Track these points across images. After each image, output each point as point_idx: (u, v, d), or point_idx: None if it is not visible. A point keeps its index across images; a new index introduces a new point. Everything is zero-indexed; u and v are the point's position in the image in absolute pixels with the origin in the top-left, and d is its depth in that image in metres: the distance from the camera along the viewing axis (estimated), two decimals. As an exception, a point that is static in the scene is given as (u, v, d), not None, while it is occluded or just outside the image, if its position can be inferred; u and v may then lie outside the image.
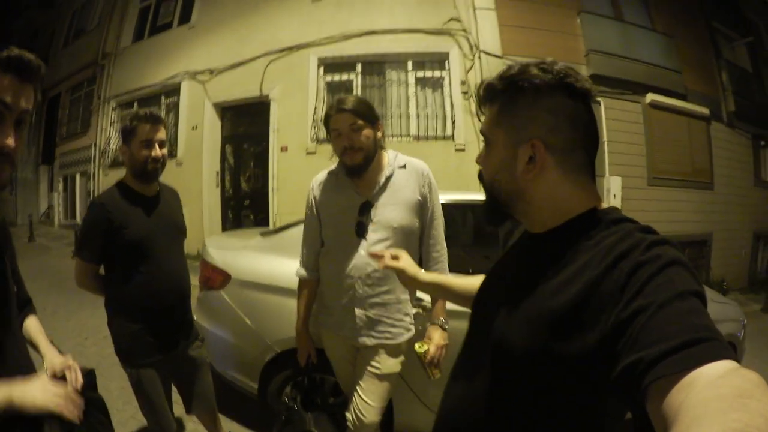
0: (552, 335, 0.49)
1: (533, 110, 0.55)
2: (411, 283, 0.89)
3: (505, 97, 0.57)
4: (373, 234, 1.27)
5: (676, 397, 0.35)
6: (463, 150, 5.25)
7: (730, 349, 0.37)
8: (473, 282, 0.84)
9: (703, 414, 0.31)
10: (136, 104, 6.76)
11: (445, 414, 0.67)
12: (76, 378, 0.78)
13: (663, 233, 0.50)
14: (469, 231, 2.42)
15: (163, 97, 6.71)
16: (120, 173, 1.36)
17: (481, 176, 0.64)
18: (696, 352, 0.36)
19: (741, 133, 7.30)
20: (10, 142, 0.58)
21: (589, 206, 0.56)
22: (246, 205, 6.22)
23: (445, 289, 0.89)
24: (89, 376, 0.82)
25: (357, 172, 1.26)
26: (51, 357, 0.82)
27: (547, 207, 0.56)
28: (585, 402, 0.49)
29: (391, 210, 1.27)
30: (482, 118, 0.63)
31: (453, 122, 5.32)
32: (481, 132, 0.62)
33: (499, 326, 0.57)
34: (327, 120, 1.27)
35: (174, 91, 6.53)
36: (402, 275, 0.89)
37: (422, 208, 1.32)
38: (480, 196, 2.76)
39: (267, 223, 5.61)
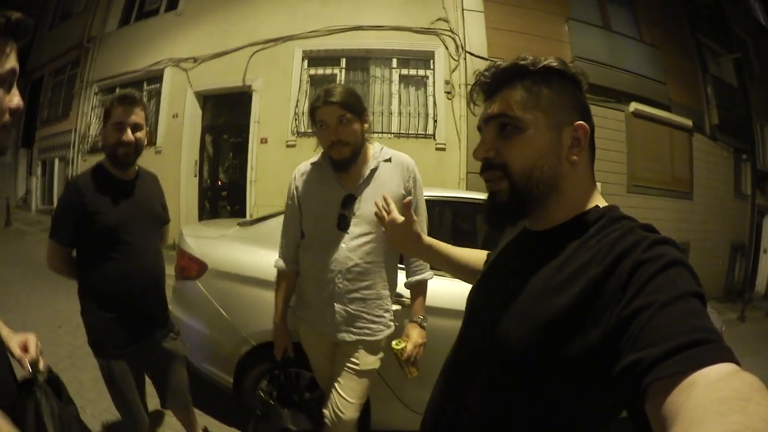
0: (554, 334, 0.48)
1: (567, 95, 0.55)
2: (411, 244, 0.83)
3: (536, 79, 0.55)
4: (355, 228, 1.24)
5: (676, 398, 0.35)
6: (444, 149, 5.25)
7: (731, 352, 0.37)
8: (471, 255, 0.83)
9: (703, 416, 0.32)
10: (117, 89, 6.63)
11: (437, 411, 0.65)
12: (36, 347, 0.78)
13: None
14: (447, 228, 2.40)
15: (145, 84, 6.60)
16: (99, 159, 1.32)
17: (494, 168, 0.56)
18: (696, 353, 0.36)
19: (723, 146, 7.40)
20: (20, 101, 0.57)
21: (594, 202, 0.56)
22: (223, 196, 6.15)
23: (442, 256, 0.85)
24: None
25: (344, 166, 1.23)
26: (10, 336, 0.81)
27: (571, 199, 0.56)
28: (584, 399, 0.49)
29: (375, 204, 1.24)
30: (477, 109, 0.60)
31: (435, 121, 5.31)
32: (503, 114, 0.55)
33: (498, 324, 0.56)
34: (313, 111, 1.23)
35: (156, 78, 6.44)
36: (406, 228, 0.81)
37: None
38: (459, 193, 2.71)
39: (243, 215, 5.55)
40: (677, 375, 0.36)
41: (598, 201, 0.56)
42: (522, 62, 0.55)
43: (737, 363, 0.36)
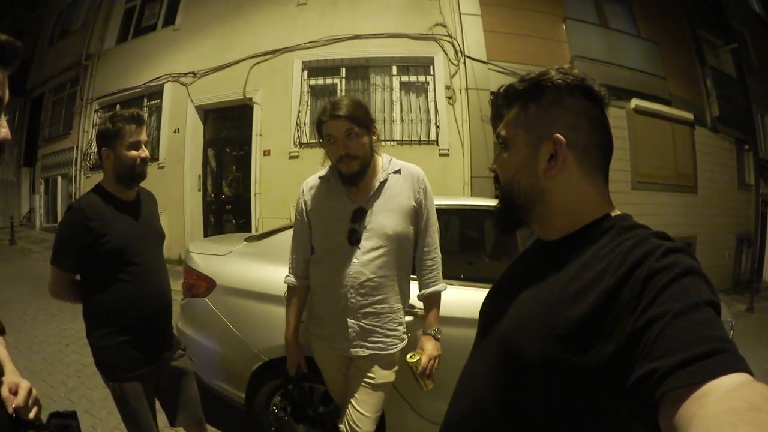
0: (568, 345, 0.48)
1: (554, 109, 0.55)
2: None
3: (525, 98, 0.57)
4: (366, 242, 1.22)
5: (689, 409, 0.35)
6: (447, 155, 5.24)
7: (744, 361, 0.37)
8: None
9: (714, 427, 0.32)
10: (118, 106, 6.66)
11: (455, 421, 0.65)
12: (28, 397, 0.75)
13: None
14: (454, 236, 2.40)
15: (145, 100, 6.63)
16: (100, 176, 1.30)
17: (497, 181, 0.63)
18: (710, 364, 0.36)
19: (725, 138, 7.39)
20: (7, 133, 0.56)
21: (603, 212, 0.55)
22: (228, 210, 6.16)
23: None
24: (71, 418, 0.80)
25: (353, 180, 1.21)
26: (11, 377, 0.79)
27: (566, 210, 0.56)
28: (599, 409, 0.49)
29: (386, 217, 1.22)
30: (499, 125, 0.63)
31: (437, 127, 5.31)
32: (498, 134, 0.62)
33: (512, 336, 0.56)
34: (320, 125, 1.21)
35: (157, 93, 6.46)
36: None
37: (417, 214, 1.27)
38: (463, 200, 2.72)
39: (249, 228, 5.56)
40: (690, 385, 0.36)
41: (608, 209, 0.56)
42: (514, 84, 0.59)
43: (750, 373, 0.36)
